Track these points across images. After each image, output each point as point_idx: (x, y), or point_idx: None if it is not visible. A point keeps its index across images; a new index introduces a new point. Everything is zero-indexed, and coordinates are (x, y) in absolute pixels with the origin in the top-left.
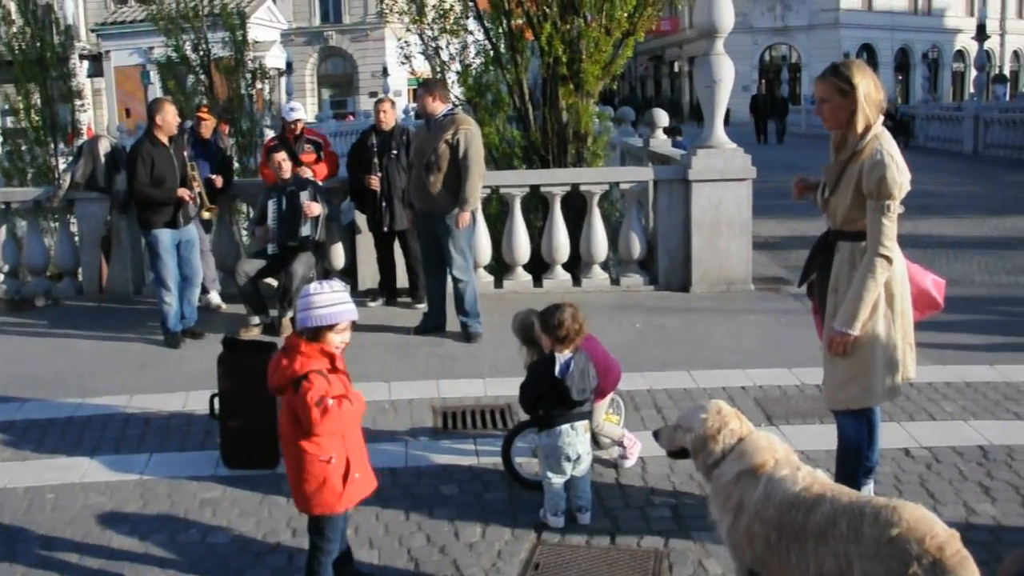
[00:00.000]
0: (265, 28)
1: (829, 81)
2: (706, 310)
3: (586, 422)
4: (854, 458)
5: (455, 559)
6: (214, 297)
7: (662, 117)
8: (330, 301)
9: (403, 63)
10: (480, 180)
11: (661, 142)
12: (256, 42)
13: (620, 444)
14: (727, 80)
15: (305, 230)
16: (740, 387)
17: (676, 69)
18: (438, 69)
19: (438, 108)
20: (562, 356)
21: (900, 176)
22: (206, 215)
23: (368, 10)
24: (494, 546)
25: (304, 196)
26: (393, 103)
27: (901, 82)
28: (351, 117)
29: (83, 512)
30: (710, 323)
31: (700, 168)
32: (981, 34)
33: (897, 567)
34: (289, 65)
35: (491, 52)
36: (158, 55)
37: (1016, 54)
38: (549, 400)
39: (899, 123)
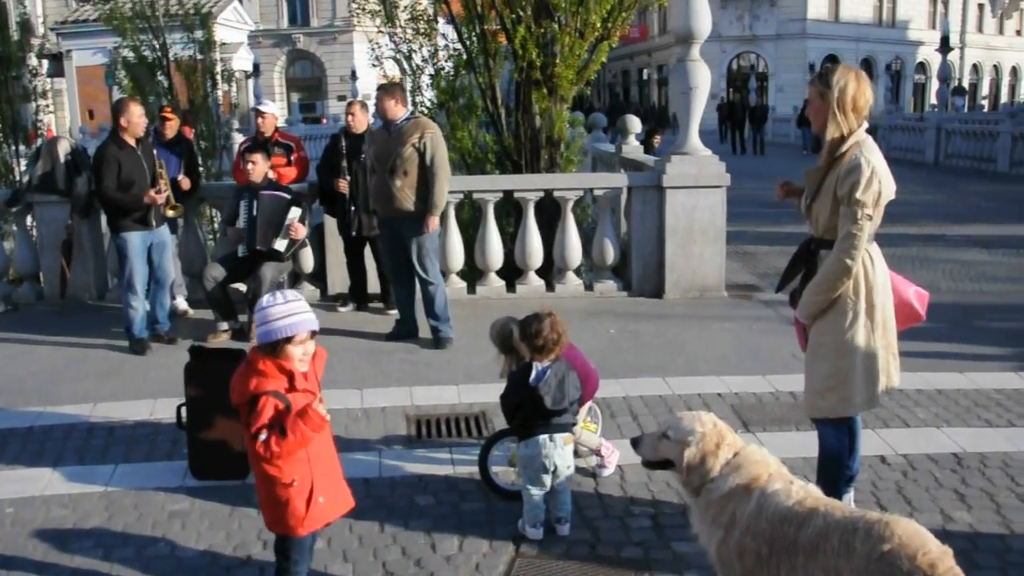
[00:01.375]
0: (232, 29)
1: (814, 84)
2: (680, 317)
3: (567, 435)
4: (834, 467)
5: (432, 573)
6: (180, 302)
7: (635, 124)
8: (286, 312)
9: (375, 65)
10: (447, 184)
11: (633, 148)
12: (223, 44)
13: (598, 453)
14: (703, 87)
15: (281, 245)
16: (716, 394)
17: (645, 76)
18: (410, 72)
19: (399, 112)
20: (540, 365)
21: (876, 184)
22: (170, 213)
23: (336, 13)
24: (472, 559)
25: (294, 214)
26: (364, 106)
27: None
28: (324, 120)
29: (44, 526)
30: (684, 330)
31: (674, 175)
32: (945, 46)
33: None
34: (256, 67)
35: (464, 56)
36: (118, 55)
37: (975, 67)
38: (525, 409)
39: None
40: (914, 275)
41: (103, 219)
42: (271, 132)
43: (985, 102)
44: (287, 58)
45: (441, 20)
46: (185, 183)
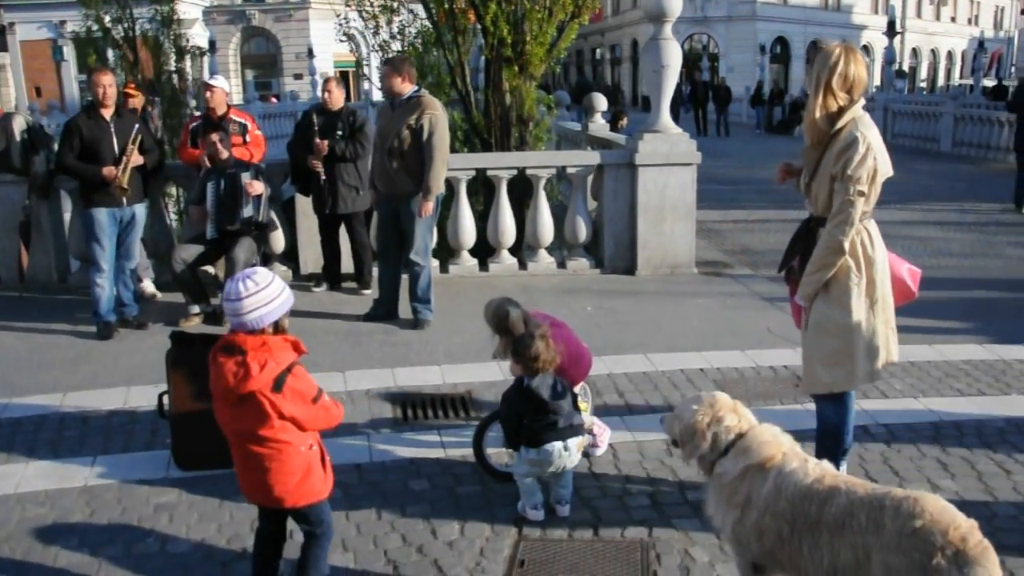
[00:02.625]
0: (187, 5)
1: (811, 63)
2: (653, 293)
3: (580, 439)
4: (834, 441)
5: (436, 559)
6: (148, 286)
7: (601, 102)
8: (279, 288)
9: (343, 41)
10: (444, 167)
11: (600, 126)
12: (179, 19)
13: (590, 432)
14: (675, 65)
15: (247, 211)
16: (698, 369)
17: (598, 56)
18: (376, 49)
19: (405, 88)
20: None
21: (871, 160)
22: (116, 192)
23: None
24: (475, 544)
25: (246, 176)
26: (340, 82)
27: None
28: (274, 99)
29: (21, 526)
30: (659, 306)
31: (646, 152)
32: (891, 30)
33: (920, 558)
34: (212, 44)
35: (433, 33)
36: (78, 28)
37: (914, 51)
38: (529, 414)
39: None
40: None
41: (63, 199)
42: (223, 109)
43: (924, 84)
44: (242, 35)
45: None
46: (136, 158)
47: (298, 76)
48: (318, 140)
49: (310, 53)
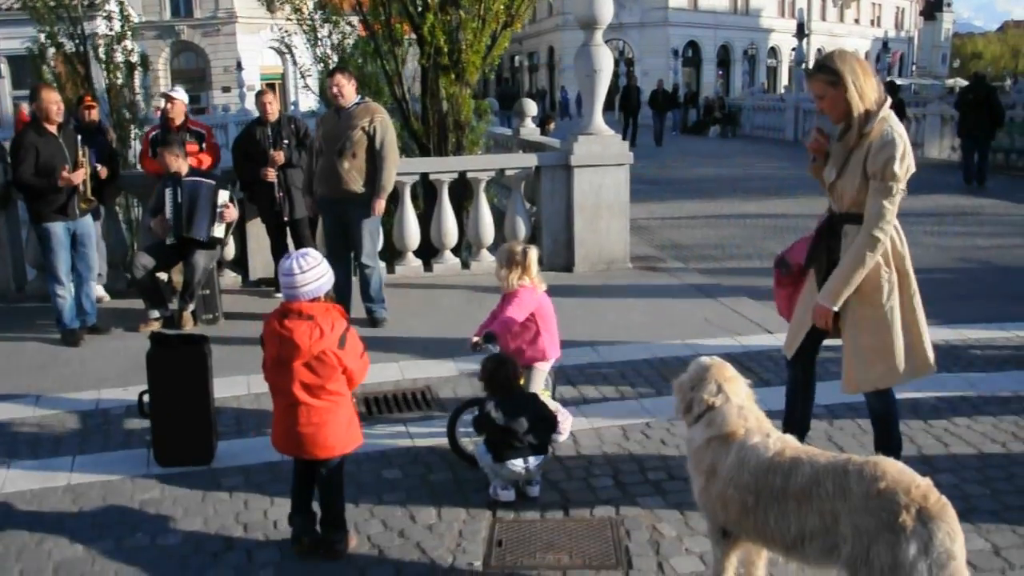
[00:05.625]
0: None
1: (817, 78)
2: (592, 288)
3: (543, 458)
4: (885, 424)
5: (418, 542)
6: (98, 290)
7: (531, 107)
8: (326, 267)
9: (283, 53)
10: (395, 167)
11: (531, 130)
12: (106, 35)
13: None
14: (607, 70)
15: (218, 231)
16: (643, 359)
17: (516, 63)
18: (318, 61)
19: (355, 95)
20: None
21: (909, 158)
22: (82, 206)
23: (219, 4)
24: (453, 526)
25: (223, 197)
26: (275, 94)
27: (722, 77)
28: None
29: (13, 524)
30: (600, 301)
31: (582, 154)
32: (801, 32)
33: (887, 517)
34: (144, 58)
35: (371, 44)
36: (26, 45)
37: (819, 52)
38: (488, 430)
39: (727, 115)
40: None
41: (20, 209)
42: (181, 119)
43: None
44: (171, 50)
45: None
46: (103, 172)
47: (226, 89)
48: (273, 151)
49: (239, 66)
